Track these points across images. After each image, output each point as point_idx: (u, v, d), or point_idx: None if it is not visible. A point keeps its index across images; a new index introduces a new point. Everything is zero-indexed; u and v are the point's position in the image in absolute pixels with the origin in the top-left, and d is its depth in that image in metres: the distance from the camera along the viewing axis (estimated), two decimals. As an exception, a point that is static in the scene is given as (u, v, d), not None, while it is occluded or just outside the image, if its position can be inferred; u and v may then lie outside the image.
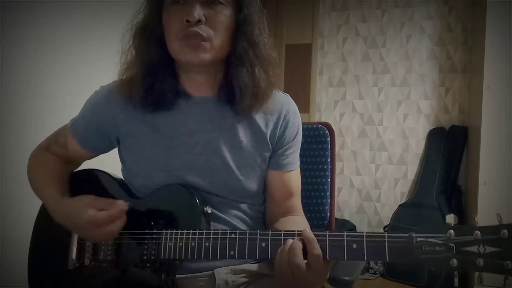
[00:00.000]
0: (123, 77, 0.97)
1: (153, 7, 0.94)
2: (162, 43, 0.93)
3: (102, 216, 0.87)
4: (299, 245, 0.76)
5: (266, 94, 0.96)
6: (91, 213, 0.87)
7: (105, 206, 0.89)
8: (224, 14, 0.91)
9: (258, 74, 0.94)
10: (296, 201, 1.05)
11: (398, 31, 3.11)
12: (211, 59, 0.92)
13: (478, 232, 0.70)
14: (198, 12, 0.88)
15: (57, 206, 0.96)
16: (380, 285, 2.81)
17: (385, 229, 3.02)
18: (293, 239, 0.78)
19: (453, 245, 0.71)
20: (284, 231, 0.81)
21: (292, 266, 0.75)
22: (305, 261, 0.76)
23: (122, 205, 0.89)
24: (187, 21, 0.88)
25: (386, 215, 3.10)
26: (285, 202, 1.03)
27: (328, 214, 1.30)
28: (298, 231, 0.80)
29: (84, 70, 1.82)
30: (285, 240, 0.80)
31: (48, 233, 0.99)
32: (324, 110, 3.31)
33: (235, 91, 0.93)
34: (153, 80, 0.93)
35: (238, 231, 0.83)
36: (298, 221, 1.00)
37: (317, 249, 0.75)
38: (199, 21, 0.88)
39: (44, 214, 1.03)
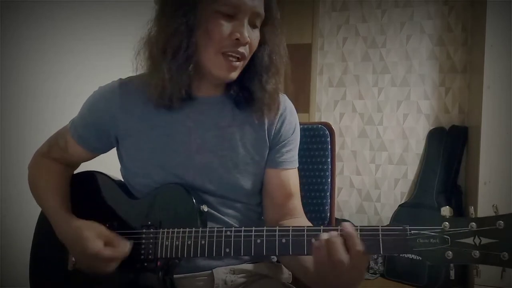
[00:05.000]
0: (138, 70, 0.96)
1: (187, 9, 0.89)
2: (189, 47, 0.90)
3: (107, 255, 0.88)
4: (339, 240, 0.73)
5: (279, 102, 1.00)
6: (98, 248, 0.88)
7: (112, 242, 0.90)
8: (257, 36, 0.94)
9: (276, 86, 0.97)
10: (297, 203, 1.03)
11: (398, 31, 3.11)
12: (236, 76, 0.95)
13: (473, 223, 0.69)
14: (248, 33, 0.90)
15: (61, 224, 0.97)
16: (380, 285, 2.81)
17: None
18: (329, 233, 0.74)
19: (448, 237, 0.70)
20: (279, 228, 0.81)
21: (335, 262, 0.72)
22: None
23: (127, 247, 0.90)
24: (237, 39, 0.89)
25: (386, 215, 3.10)
26: (285, 204, 1.01)
27: (328, 214, 1.30)
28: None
29: (84, 70, 1.82)
30: (280, 236, 0.79)
31: (50, 234, 0.99)
32: (324, 110, 3.31)
33: (256, 102, 0.96)
34: (168, 80, 0.91)
35: (233, 229, 0.84)
36: (302, 224, 0.98)
37: (359, 245, 0.72)
38: (247, 43, 0.90)
39: (45, 216, 1.03)
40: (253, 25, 0.92)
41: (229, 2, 0.88)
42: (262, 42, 0.96)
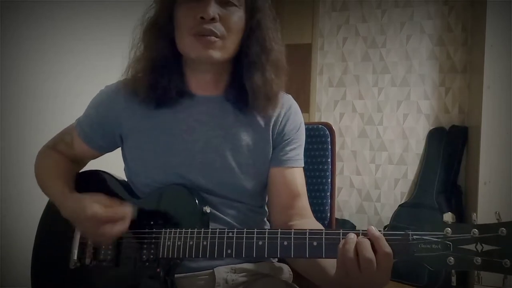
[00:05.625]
0: (129, 73, 0.98)
1: (165, 3, 0.95)
2: (171, 40, 0.94)
3: (105, 214, 0.87)
4: (366, 240, 0.73)
5: (277, 97, 0.99)
6: (95, 208, 0.87)
7: (111, 205, 0.90)
8: (237, 16, 0.93)
9: (270, 78, 0.96)
10: (305, 203, 1.02)
11: (398, 31, 3.11)
12: (220, 58, 0.93)
13: (475, 230, 0.69)
14: (213, 9, 0.89)
15: (65, 201, 0.96)
16: (380, 285, 2.81)
17: (385, 229, 3.01)
18: (357, 234, 0.74)
19: (450, 243, 0.70)
20: (281, 230, 0.81)
21: (363, 261, 0.71)
22: None
23: (128, 208, 0.90)
24: (202, 18, 0.89)
25: (386, 215, 3.10)
26: (292, 204, 0.99)
27: (328, 214, 1.30)
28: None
29: (84, 70, 1.82)
30: (282, 238, 0.79)
31: (52, 233, 0.99)
32: (324, 110, 3.31)
33: (248, 93, 0.95)
34: (158, 76, 0.95)
35: (235, 230, 0.84)
36: (311, 225, 0.96)
37: (387, 247, 0.72)
38: (213, 19, 0.89)
39: (48, 215, 1.04)
40: (225, 3, 0.91)
41: None
42: (254, 34, 0.95)
